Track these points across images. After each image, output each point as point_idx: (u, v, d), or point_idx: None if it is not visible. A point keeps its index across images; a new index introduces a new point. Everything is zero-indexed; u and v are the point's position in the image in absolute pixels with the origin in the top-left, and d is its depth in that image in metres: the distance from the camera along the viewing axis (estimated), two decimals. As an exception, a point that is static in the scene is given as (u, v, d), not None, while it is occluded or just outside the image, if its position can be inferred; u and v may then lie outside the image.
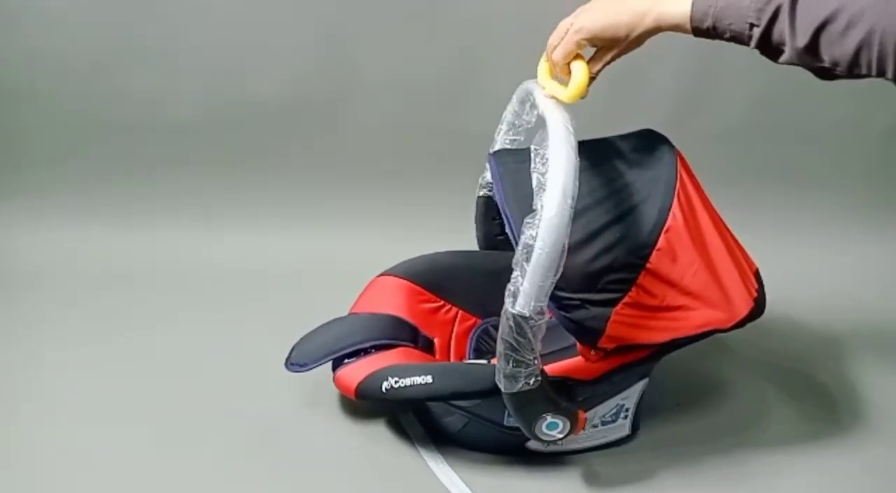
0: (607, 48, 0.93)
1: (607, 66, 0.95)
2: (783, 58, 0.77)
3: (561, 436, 1.02)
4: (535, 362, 0.93)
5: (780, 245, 1.71)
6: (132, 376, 1.35)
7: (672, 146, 1.08)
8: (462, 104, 1.75)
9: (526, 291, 0.87)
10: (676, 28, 0.86)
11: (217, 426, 1.23)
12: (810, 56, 0.73)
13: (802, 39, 0.73)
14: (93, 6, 1.68)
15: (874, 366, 1.42)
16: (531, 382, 0.94)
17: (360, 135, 1.80)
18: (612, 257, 0.98)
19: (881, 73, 0.69)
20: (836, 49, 0.71)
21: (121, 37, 1.71)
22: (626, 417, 1.16)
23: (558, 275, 0.87)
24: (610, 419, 1.14)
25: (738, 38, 0.80)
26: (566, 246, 0.86)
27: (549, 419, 1.00)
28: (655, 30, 0.88)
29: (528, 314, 0.87)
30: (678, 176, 1.03)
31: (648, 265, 0.99)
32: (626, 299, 0.99)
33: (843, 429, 1.26)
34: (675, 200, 1.01)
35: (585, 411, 1.05)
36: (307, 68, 1.76)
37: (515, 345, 0.90)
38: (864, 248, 1.80)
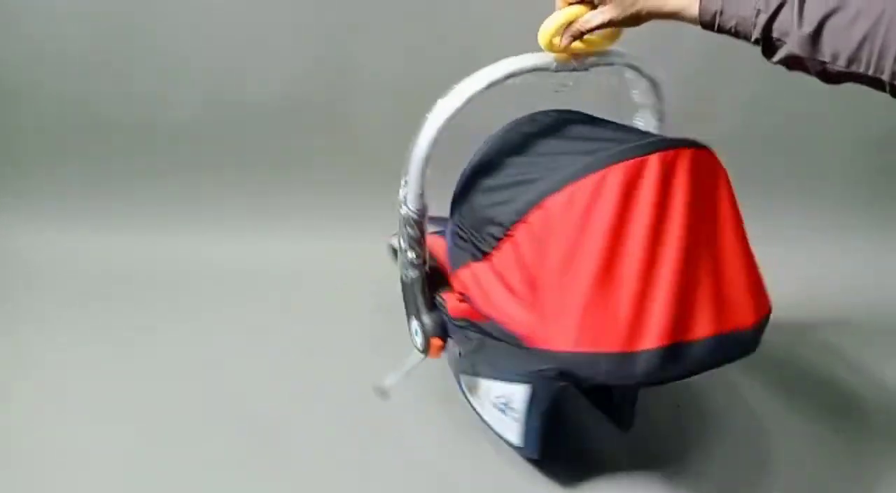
0: (608, 8, 0.89)
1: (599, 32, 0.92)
2: (781, 52, 0.76)
3: (420, 350, 1.10)
4: (412, 258, 1.04)
5: (774, 248, 1.72)
6: (132, 377, 1.35)
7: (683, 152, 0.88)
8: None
9: (406, 186, 1.00)
10: (681, 13, 0.83)
11: (217, 426, 1.23)
12: (812, 47, 0.73)
13: (809, 27, 0.72)
14: (94, 8, 1.68)
15: (871, 367, 1.42)
16: (408, 274, 1.06)
17: (359, 135, 1.80)
18: (499, 210, 0.95)
19: (878, 71, 0.69)
20: (839, 40, 0.71)
21: (121, 38, 1.71)
22: (514, 420, 1.07)
23: (425, 174, 0.97)
24: (500, 406, 1.10)
25: (742, 27, 0.79)
26: (428, 150, 0.96)
27: (414, 322, 1.08)
28: (656, 8, 0.85)
29: (405, 210, 1.01)
30: (624, 167, 0.85)
31: (514, 234, 0.93)
32: (491, 255, 0.96)
33: (844, 432, 1.26)
34: (579, 182, 0.86)
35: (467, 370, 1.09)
36: (307, 69, 1.76)
37: (403, 232, 1.03)
38: (863, 250, 1.80)
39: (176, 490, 1.11)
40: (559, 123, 1.03)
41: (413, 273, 1.05)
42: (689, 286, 0.86)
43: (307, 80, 1.77)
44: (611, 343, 0.84)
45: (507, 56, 0.98)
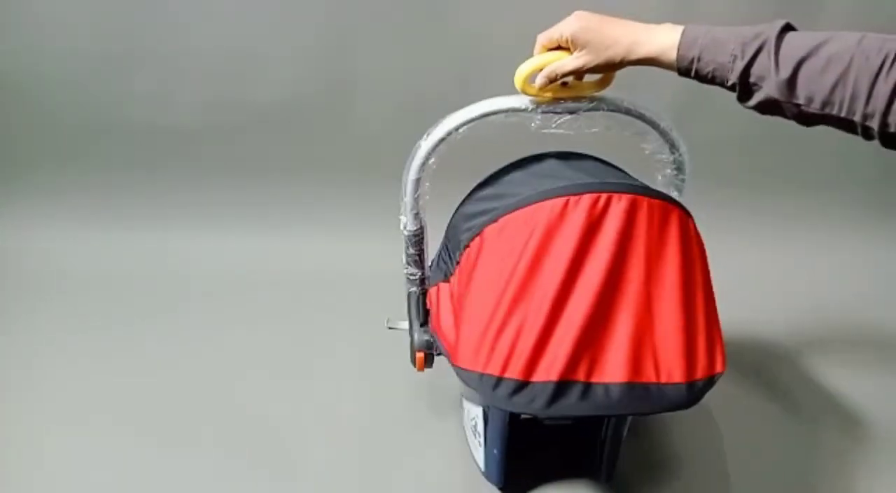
0: (582, 53, 0.89)
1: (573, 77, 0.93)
2: (758, 95, 0.80)
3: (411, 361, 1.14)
4: (410, 274, 1.09)
5: (772, 246, 1.74)
6: (132, 377, 1.36)
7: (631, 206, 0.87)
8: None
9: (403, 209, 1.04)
10: (657, 58, 0.86)
11: (216, 427, 1.24)
12: (789, 90, 0.77)
13: (785, 72, 0.76)
14: (95, 10, 1.68)
15: (869, 370, 1.43)
16: (409, 289, 1.10)
17: (360, 138, 1.81)
18: (464, 236, 0.97)
19: (851, 113, 0.73)
20: (813, 84, 0.75)
21: (123, 39, 1.71)
22: (480, 444, 1.11)
23: (417, 198, 1.02)
24: (472, 428, 1.14)
25: (720, 73, 0.82)
26: (416, 175, 1.00)
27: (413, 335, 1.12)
28: (629, 54, 0.87)
29: (402, 227, 1.05)
30: (552, 204, 0.87)
31: (461, 258, 0.97)
32: (451, 276, 1.02)
33: (843, 433, 1.27)
34: (512, 214, 0.90)
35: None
36: (309, 70, 1.76)
37: (405, 248, 1.07)
38: (861, 250, 1.82)
39: (175, 490, 1.12)
40: (551, 161, 1.02)
41: (412, 288, 1.11)
42: (603, 329, 0.86)
43: (309, 82, 1.77)
44: (511, 369, 0.85)
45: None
